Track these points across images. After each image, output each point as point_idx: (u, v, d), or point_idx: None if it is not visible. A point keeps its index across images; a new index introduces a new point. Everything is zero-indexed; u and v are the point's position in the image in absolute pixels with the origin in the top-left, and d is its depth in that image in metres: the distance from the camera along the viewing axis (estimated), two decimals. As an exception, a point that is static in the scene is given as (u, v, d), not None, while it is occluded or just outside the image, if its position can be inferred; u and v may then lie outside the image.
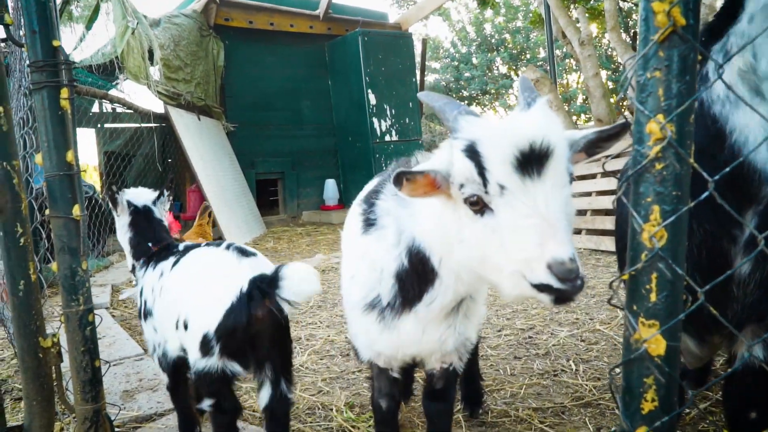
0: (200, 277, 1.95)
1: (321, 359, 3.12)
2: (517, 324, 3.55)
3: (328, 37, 11.28)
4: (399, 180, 1.18)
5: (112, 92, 7.31)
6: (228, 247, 2.02)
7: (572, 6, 8.86)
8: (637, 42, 0.97)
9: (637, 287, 0.97)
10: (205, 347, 1.77)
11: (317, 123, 11.47)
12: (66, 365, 1.90)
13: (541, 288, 1.07)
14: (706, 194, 0.92)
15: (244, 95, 10.43)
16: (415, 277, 1.46)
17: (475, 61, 28.90)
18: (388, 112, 10.82)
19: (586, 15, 7.43)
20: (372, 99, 10.53)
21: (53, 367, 1.90)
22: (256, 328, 1.76)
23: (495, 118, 1.24)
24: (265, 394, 1.89)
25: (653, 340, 0.95)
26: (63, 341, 1.91)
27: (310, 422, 2.35)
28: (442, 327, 1.57)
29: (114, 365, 3.00)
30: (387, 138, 10.78)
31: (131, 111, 7.35)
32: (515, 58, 29.39)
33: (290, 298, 1.68)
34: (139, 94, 7.61)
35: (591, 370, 2.75)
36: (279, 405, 1.90)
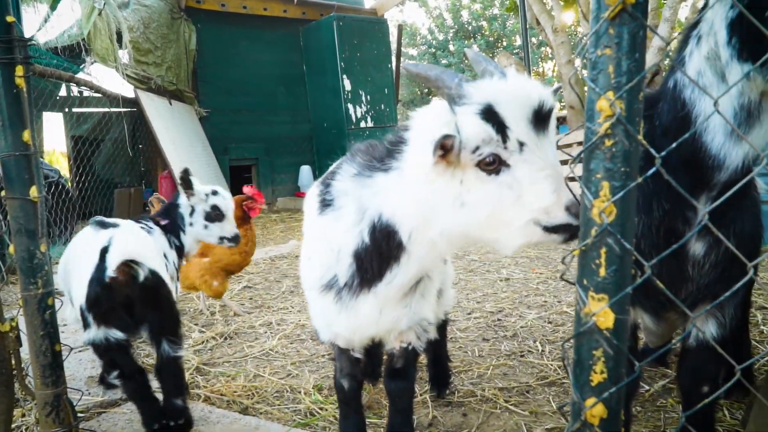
0: (71, 256, 2.20)
1: (291, 343, 3.12)
2: (486, 307, 3.60)
3: (303, 21, 11.13)
4: (437, 147, 1.20)
5: (80, 75, 7.11)
6: (91, 222, 2.23)
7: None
8: (590, 20, 0.98)
9: (588, 262, 0.99)
10: (84, 320, 1.97)
11: (292, 109, 11.36)
12: (26, 350, 1.87)
13: (557, 229, 1.19)
14: (653, 170, 0.95)
15: (217, 80, 10.26)
16: (377, 255, 1.46)
17: (452, 48, 28.93)
18: (364, 99, 10.76)
19: (560, 2, 7.47)
20: (347, 85, 10.46)
21: (12, 352, 1.86)
22: (120, 292, 1.94)
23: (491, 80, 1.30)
24: (155, 355, 2.07)
25: (602, 314, 0.98)
26: (23, 326, 1.87)
27: (278, 405, 2.35)
28: (399, 306, 1.59)
29: (80, 351, 2.95)
30: (362, 124, 10.73)
31: (99, 95, 7.16)
32: (492, 45, 29.40)
33: (123, 258, 1.90)
34: (107, 77, 7.40)
35: (557, 350, 2.80)
36: (165, 364, 2.06)
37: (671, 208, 1.41)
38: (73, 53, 7.22)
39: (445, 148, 1.20)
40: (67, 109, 9.40)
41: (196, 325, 3.53)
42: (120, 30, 7.05)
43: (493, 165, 1.20)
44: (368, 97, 10.83)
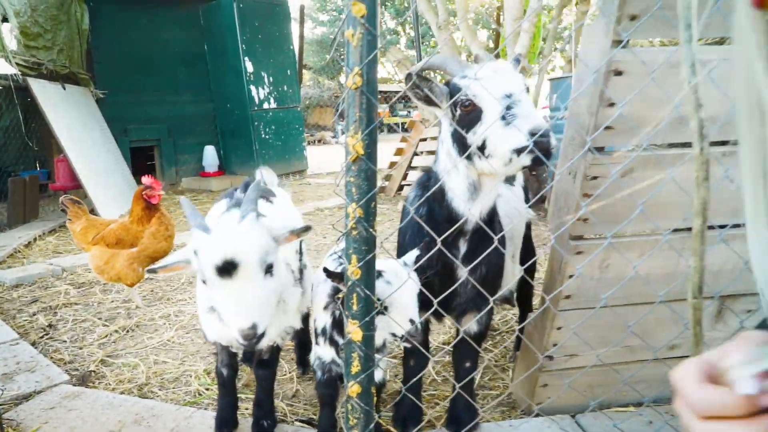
0: None
1: (187, 333, 3.64)
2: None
3: (203, 0, 11.09)
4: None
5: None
6: None
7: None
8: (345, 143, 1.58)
9: (348, 301, 1.63)
10: None
11: (194, 89, 11.38)
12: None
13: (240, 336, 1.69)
14: (372, 258, 1.58)
15: (113, 60, 10.12)
16: None
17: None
18: (266, 80, 11.02)
19: (445, 4, 8.13)
20: (249, 67, 10.66)
21: (-60, 362, 2.28)
22: None
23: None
24: None
25: (355, 332, 1.62)
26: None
27: (172, 388, 2.90)
28: None
29: (-10, 351, 3.31)
30: (265, 105, 11.02)
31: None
32: (402, 13, 29.78)
33: None
34: None
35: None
36: None
37: (445, 247, 2.07)
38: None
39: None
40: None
41: (99, 319, 3.95)
42: (6, 16, 6.90)
43: (205, 283, 1.72)
44: (271, 78, 11.10)
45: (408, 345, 1.91)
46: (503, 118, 1.68)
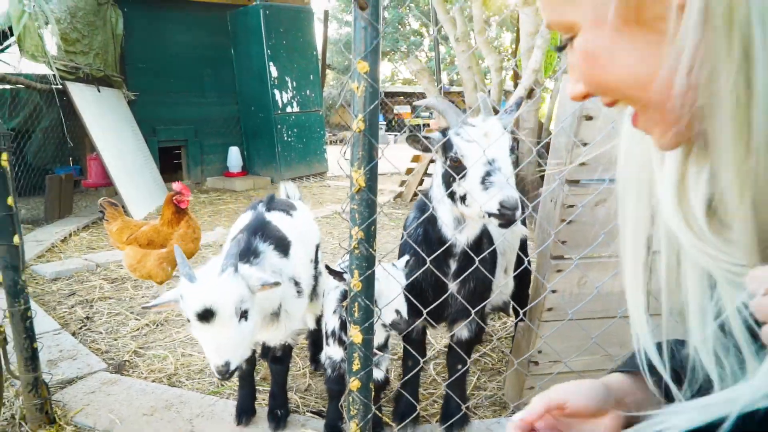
0: None
1: (211, 329, 3.96)
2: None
3: (230, 6, 11.47)
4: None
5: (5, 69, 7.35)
6: None
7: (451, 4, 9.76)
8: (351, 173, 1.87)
9: (350, 309, 1.91)
10: None
11: (220, 91, 11.76)
12: (10, 346, 2.64)
13: (214, 371, 1.99)
14: (372, 273, 1.87)
15: (145, 63, 10.56)
16: None
17: (386, 15, 29.31)
18: (290, 85, 11.36)
19: (464, 15, 8.36)
20: (273, 71, 11.01)
21: (1, 349, 2.63)
22: None
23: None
24: None
25: (356, 335, 1.91)
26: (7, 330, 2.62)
27: (198, 378, 3.22)
28: (272, 328, 2.47)
29: (36, 339, 3.68)
30: (288, 109, 11.37)
31: (24, 84, 7.43)
32: (426, 14, 29.93)
33: None
34: (36, 69, 7.56)
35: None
36: None
37: (436, 265, 2.34)
38: (-1, 38, 7.41)
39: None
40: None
41: (132, 313, 4.30)
42: (48, 22, 7.33)
43: (189, 322, 1.99)
44: (294, 83, 11.43)
45: (395, 332, 2.21)
46: (482, 182, 1.96)
